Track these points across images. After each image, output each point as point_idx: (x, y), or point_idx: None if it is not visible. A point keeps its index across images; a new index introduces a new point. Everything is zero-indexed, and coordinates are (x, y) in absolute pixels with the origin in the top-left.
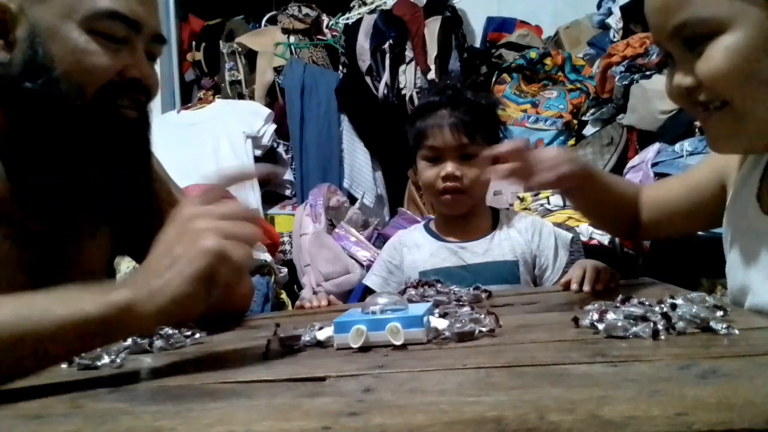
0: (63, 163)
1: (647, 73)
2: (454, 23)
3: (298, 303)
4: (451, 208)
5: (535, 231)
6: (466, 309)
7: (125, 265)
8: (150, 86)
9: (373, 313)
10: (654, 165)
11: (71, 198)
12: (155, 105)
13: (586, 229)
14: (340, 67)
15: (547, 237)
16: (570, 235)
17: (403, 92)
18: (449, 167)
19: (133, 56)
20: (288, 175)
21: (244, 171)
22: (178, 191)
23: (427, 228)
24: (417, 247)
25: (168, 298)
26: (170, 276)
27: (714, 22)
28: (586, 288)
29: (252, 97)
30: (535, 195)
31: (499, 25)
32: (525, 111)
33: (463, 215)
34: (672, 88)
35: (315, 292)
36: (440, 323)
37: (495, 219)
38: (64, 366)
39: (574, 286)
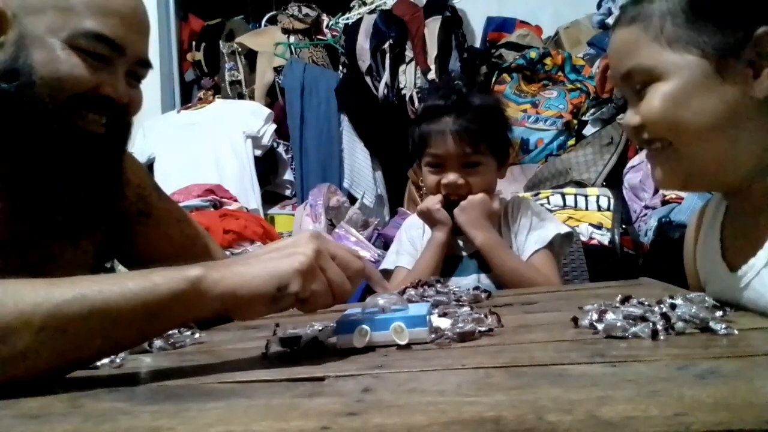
0: (31, 166)
1: None
2: (454, 23)
3: None
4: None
5: (521, 214)
6: (466, 309)
7: None
8: (126, 105)
9: (376, 312)
10: None
11: (43, 201)
12: (155, 105)
13: (586, 229)
14: (340, 67)
15: (524, 210)
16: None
17: (403, 92)
18: (451, 176)
19: (112, 76)
20: (288, 175)
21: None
22: (160, 199)
23: None
24: (427, 233)
25: (235, 287)
26: (246, 269)
27: (655, 71)
28: None
29: (252, 97)
30: (535, 195)
31: (499, 25)
32: (525, 111)
33: None
34: (624, 126)
35: None
36: (442, 323)
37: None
38: None
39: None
